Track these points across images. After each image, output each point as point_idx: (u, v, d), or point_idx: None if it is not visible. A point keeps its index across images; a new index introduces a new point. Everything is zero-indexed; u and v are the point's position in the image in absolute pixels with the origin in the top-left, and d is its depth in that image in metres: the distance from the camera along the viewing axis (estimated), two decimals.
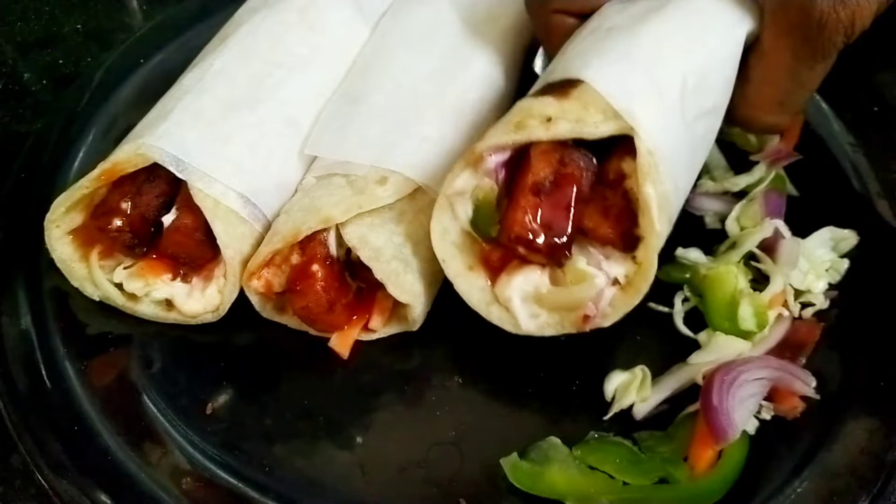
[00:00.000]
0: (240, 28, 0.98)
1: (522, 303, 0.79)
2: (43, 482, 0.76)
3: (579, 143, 0.76)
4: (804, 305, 0.91)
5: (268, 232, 0.87)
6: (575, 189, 0.75)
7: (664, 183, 0.73)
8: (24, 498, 0.79)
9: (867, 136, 1.05)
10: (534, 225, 0.75)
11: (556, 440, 0.80)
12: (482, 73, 0.98)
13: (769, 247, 0.92)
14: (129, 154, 0.84)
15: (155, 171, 0.85)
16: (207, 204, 0.83)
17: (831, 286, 0.92)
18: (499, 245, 0.80)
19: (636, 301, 0.76)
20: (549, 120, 0.75)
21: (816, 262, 0.92)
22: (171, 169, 0.83)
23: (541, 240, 0.75)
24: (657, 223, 0.73)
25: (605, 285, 0.77)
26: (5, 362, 0.83)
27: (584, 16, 0.88)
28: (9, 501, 0.79)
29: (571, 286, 0.78)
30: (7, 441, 0.80)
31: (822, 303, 0.91)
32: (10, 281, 0.89)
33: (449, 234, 0.81)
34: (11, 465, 0.81)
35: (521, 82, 1.10)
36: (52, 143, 1.02)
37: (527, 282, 0.79)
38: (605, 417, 0.83)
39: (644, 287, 0.76)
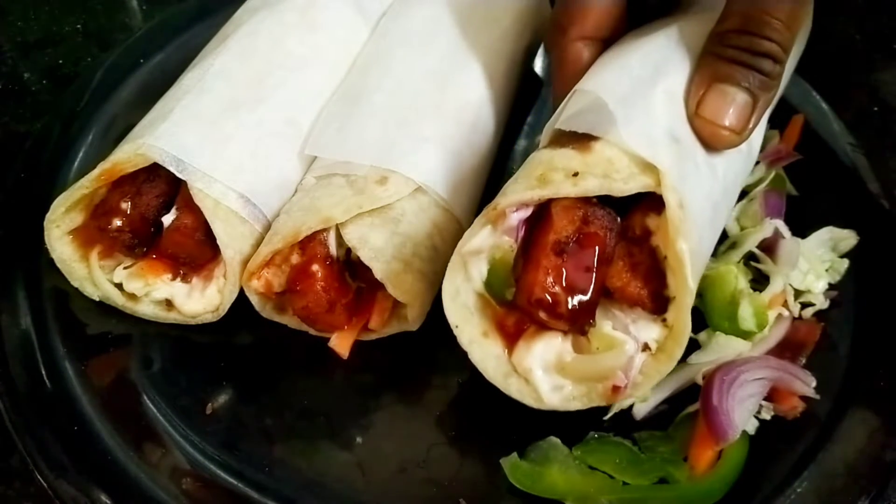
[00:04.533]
0: (240, 28, 0.98)
1: (544, 373, 0.73)
2: (43, 482, 0.76)
3: (601, 200, 0.72)
4: (804, 305, 0.91)
5: (268, 232, 0.87)
6: (598, 248, 0.70)
7: (692, 238, 0.69)
8: (24, 498, 0.79)
9: (867, 136, 1.05)
10: (556, 288, 0.69)
11: (556, 440, 0.80)
12: (482, 73, 0.98)
13: (769, 247, 0.92)
14: (129, 154, 0.84)
15: (155, 171, 0.85)
16: (207, 204, 0.83)
17: (831, 286, 0.93)
18: (515, 309, 0.74)
19: (669, 367, 0.71)
20: (575, 175, 0.70)
21: (816, 262, 0.92)
22: (171, 169, 0.83)
23: (563, 304, 0.69)
24: (690, 281, 0.67)
25: (635, 352, 0.71)
26: (5, 362, 0.83)
27: (605, 43, 0.87)
28: (9, 501, 0.79)
29: (598, 354, 0.72)
30: (7, 441, 0.80)
31: (822, 303, 0.91)
32: (10, 281, 0.89)
33: (461, 295, 0.75)
34: (11, 466, 0.81)
35: (521, 83, 1.10)
36: (52, 143, 1.02)
37: (548, 350, 0.73)
38: (605, 417, 0.82)
39: (678, 352, 0.70)
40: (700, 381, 0.83)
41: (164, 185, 0.86)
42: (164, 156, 0.83)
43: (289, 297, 0.84)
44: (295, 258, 0.84)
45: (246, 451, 0.81)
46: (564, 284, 0.69)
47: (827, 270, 0.93)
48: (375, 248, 0.82)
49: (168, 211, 0.86)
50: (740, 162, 0.84)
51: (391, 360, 0.88)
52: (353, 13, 1.04)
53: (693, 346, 0.87)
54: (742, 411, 0.79)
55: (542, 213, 0.73)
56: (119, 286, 0.88)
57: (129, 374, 0.85)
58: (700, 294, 0.90)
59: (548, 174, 0.72)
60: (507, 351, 0.75)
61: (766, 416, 0.82)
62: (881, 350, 0.86)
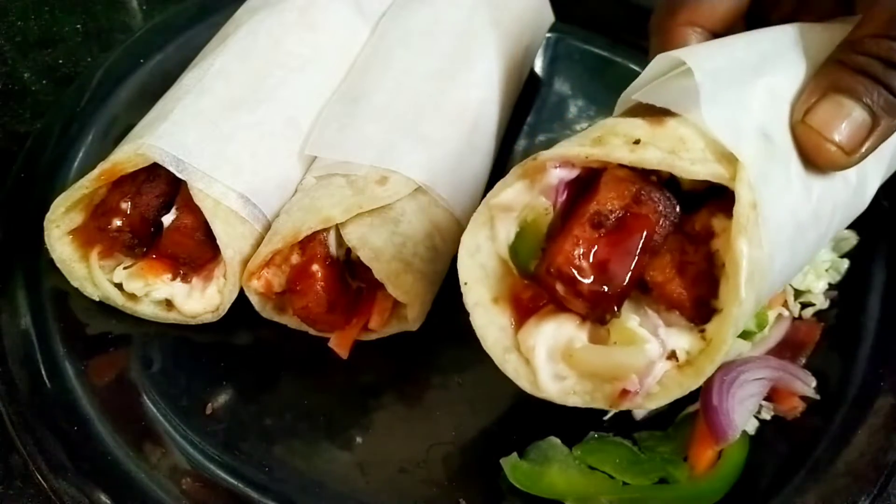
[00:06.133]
0: (240, 28, 0.98)
1: (548, 357, 0.65)
2: (43, 482, 0.76)
3: (668, 188, 0.63)
4: (804, 305, 0.91)
5: (268, 232, 0.87)
6: (646, 234, 0.61)
7: (762, 248, 0.59)
8: (24, 498, 0.79)
9: None
10: (583, 262, 0.61)
11: (556, 440, 0.80)
12: (483, 73, 0.98)
13: None
14: (129, 154, 0.84)
15: (155, 171, 0.85)
16: (207, 204, 0.83)
17: (831, 286, 0.93)
18: (534, 280, 0.65)
19: (695, 385, 0.62)
20: (636, 142, 0.61)
21: (816, 262, 0.92)
22: (171, 169, 0.83)
23: (587, 281, 0.61)
24: (743, 291, 0.57)
25: (657, 357, 0.62)
26: (5, 362, 0.83)
27: (713, 35, 0.80)
28: (9, 502, 0.79)
29: (613, 347, 0.63)
30: (7, 441, 0.80)
31: (822, 303, 0.91)
32: (10, 281, 0.89)
33: (481, 253, 0.67)
34: (11, 466, 0.81)
35: (521, 83, 1.10)
36: (52, 143, 1.02)
37: (559, 332, 0.65)
38: (605, 417, 0.82)
39: (709, 370, 0.61)
40: None
41: (164, 185, 0.86)
42: (164, 156, 0.83)
43: (289, 297, 0.84)
44: (295, 258, 0.84)
45: (246, 451, 0.81)
46: (592, 260, 0.61)
47: (827, 270, 0.93)
48: (375, 248, 0.82)
49: (168, 211, 0.86)
50: (843, 193, 0.73)
51: (391, 360, 0.88)
52: (353, 13, 1.04)
53: None
54: (742, 411, 0.79)
55: (590, 184, 0.64)
56: (119, 286, 0.88)
57: (129, 375, 0.85)
58: None
59: (605, 137, 0.63)
60: (514, 325, 0.67)
61: (766, 416, 0.82)
62: (881, 350, 0.86)
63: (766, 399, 0.82)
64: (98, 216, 0.86)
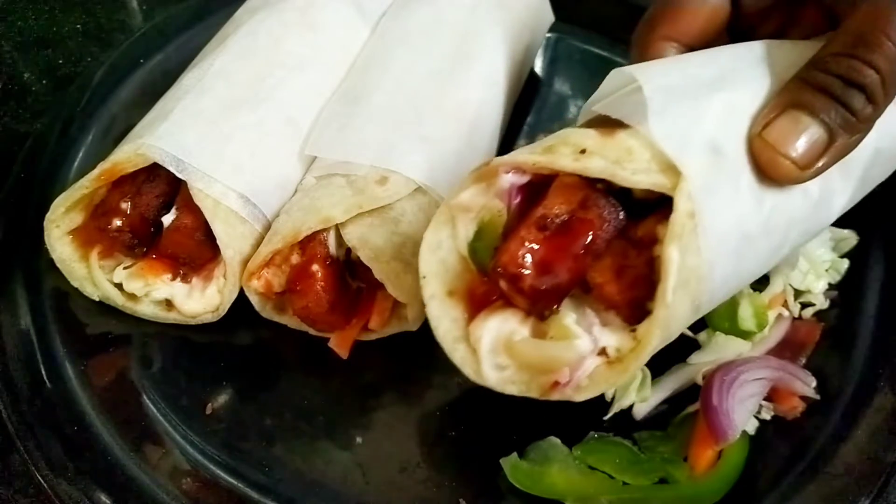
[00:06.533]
0: (240, 28, 0.98)
1: (492, 348, 0.68)
2: (42, 482, 0.76)
3: (622, 199, 0.66)
4: (804, 305, 0.91)
5: (268, 232, 0.87)
6: (589, 238, 0.64)
7: (699, 255, 0.63)
8: (24, 498, 0.79)
9: None
10: (525, 260, 0.64)
11: (556, 440, 0.80)
12: (483, 73, 0.98)
13: None
14: (129, 154, 0.84)
15: (155, 172, 0.85)
16: (207, 204, 0.83)
17: (831, 286, 0.93)
18: (486, 277, 0.69)
19: (621, 380, 0.65)
20: (582, 152, 0.65)
21: (816, 262, 0.92)
22: (171, 169, 0.83)
23: (528, 279, 0.64)
24: (670, 294, 0.61)
25: (588, 352, 0.65)
26: (5, 362, 0.83)
27: (690, 50, 0.82)
28: (9, 501, 0.79)
29: (546, 342, 0.67)
30: (7, 441, 0.80)
31: (822, 303, 0.91)
32: (10, 281, 0.89)
33: (442, 250, 0.71)
34: (11, 466, 0.81)
35: (521, 83, 1.10)
36: (52, 143, 1.02)
37: (503, 326, 0.68)
38: (605, 417, 0.83)
39: (634, 367, 0.64)
40: (700, 381, 0.83)
41: (164, 185, 0.86)
42: (164, 156, 0.83)
43: (289, 297, 0.84)
44: (295, 258, 0.84)
45: (246, 451, 0.81)
46: (535, 260, 0.65)
47: (827, 270, 0.93)
48: (375, 248, 0.82)
49: (168, 211, 0.86)
50: (802, 206, 0.74)
51: (391, 360, 0.88)
52: (353, 13, 1.04)
53: (693, 346, 0.88)
54: (742, 411, 0.79)
55: (543, 189, 0.68)
56: (119, 286, 0.88)
57: (129, 374, 0.85)
58: None
59: (556, 146, 0.66)
60: (467, 317, 0.71)
61: (766, 416, 0.82)
62: (881, 350, 0.86)
63: (766, 399, 0.82)
64: (98, 216, 0.86)
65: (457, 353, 0.70)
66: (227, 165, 0.86)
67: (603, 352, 0.66)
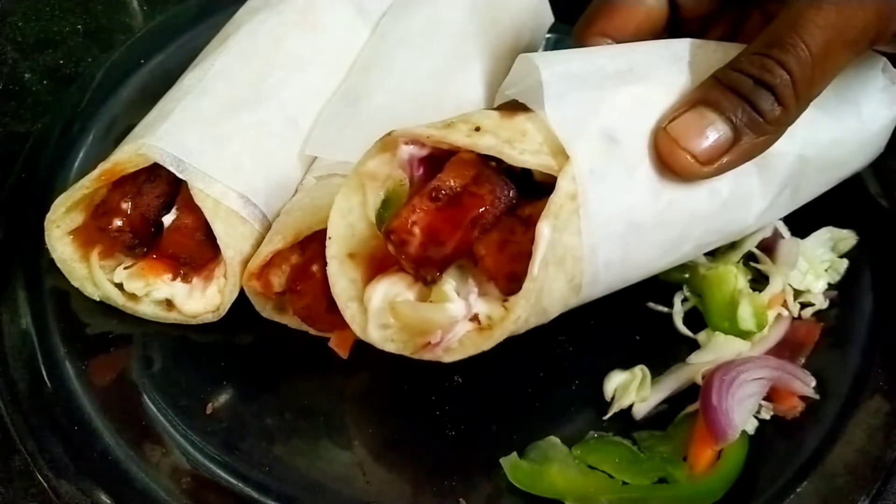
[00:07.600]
0: (240, 29, 0.98)
1: (379, 308, 0.72)
2: (43, 482, 0.76)
3: (520, 182, 0.69)
4: (803, 305, 0.91)
5: (268, 232, 0.87)
6: (478, 212, 0.67)
7: (579, 236, 0.66)
8: (24, 498, 0.79)
9: None
10: (415, 229, 0.67)
11: (556, 440, 0.80)
12: (482, 73, 0.98)
13: (768, 247, 0.92)
14: (130, 154, 0.84)
15: (155, 172, 0.85)
16: (208, 204, 0.83)
17: (831, 286, 0.93)
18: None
19: (486, 346, 0.68)
20: (476, 129, 0.68)
21: (816, 262, 0.92)
22: (172, 169, 0.83)
23: (414, 246, 0.68)
24: (537, 268, 0.64)
25: (460, 317, 0.69)
26: (5, 362, 0.83)
27: (621, 42, 0.84)
28: (9, 501, 0.79)
29: (421, 304, 0.71)
30: (8, 442, 0.80)
31: (821, 303, 0.91)
32: (10, 281, 0.89)
33: (352, 215, 0.74)
34: (12, 466, 0.81)
35: None
36: (52, 143, 1.02)
37: (392, 288, 0.72)
38: (605, 417, 0.83)
39: (499, 335, 0.67)
40: (699, 380, 0.83)
41: (164, 186, 0.86)
42: (164, 156, 0.83)
43: (289, 297, 0.84)
44: (295, 258, 0.84)
45: (246, 451, 0.81)
46: (424, 229, 0.68)
47: (826, 270, 0.93)
48: None
49: (168, 211, 0.86)
50: (707, 204, 0.75)
51: (391, 360, 0.88)
52: (354, 13, 1.04)
53: (693, 345, 0.88)
54: (741, 411, 0.79)
55: (442, 164, 0.71)
56: (119, 286, 0.88)
57: (129, 374, 0.85)
58: (699, 294, 0.90)
59: (456, 123, 0.69)
60: (365, 280, 0.74)
61: (766, 416, 0.82)
62: (881, 350, 0.86)
63: (765, 399, 0.82)
64: (99, 216, 0.86)
65: (348, 311, 0.74)
66: (227, 165, 0.86)
67: (476, 318, 0.69)
